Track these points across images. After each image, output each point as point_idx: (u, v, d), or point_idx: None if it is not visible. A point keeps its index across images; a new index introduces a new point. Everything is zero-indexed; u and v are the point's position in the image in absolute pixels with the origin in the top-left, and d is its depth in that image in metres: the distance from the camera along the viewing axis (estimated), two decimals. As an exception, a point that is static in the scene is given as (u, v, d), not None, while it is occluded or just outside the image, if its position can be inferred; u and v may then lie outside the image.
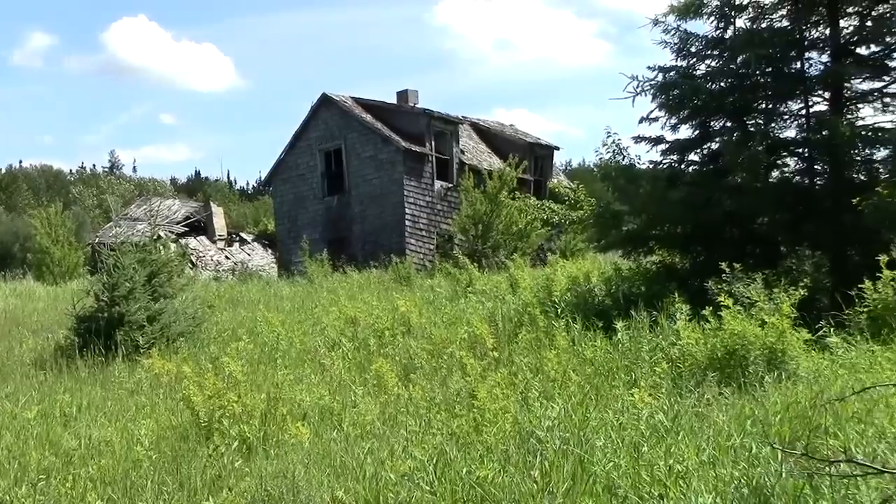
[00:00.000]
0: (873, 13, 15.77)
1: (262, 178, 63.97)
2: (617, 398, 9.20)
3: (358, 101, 39.20)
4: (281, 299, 22.55)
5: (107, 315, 15.40)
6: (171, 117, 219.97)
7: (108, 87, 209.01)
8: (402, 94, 40.97)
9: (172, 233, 46.10)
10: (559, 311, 14.79)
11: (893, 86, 15.66)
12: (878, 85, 15.76)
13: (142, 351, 14.72)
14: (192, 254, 45.60)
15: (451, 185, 38.01)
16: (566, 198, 17.95)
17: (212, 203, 53.81)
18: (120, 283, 15.67)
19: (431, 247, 36.76)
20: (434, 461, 7.21)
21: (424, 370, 11.97)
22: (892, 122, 15.33)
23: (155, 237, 17.57)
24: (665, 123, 16.30)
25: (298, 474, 7.52)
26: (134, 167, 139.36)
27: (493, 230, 32.19)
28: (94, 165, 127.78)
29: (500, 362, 11.90)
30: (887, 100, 15.62)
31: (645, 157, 19.75)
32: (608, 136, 16.70)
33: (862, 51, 15.84)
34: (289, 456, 8.27)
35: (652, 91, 15.61)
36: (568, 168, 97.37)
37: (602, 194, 17.87)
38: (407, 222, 36.36)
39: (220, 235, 50.38)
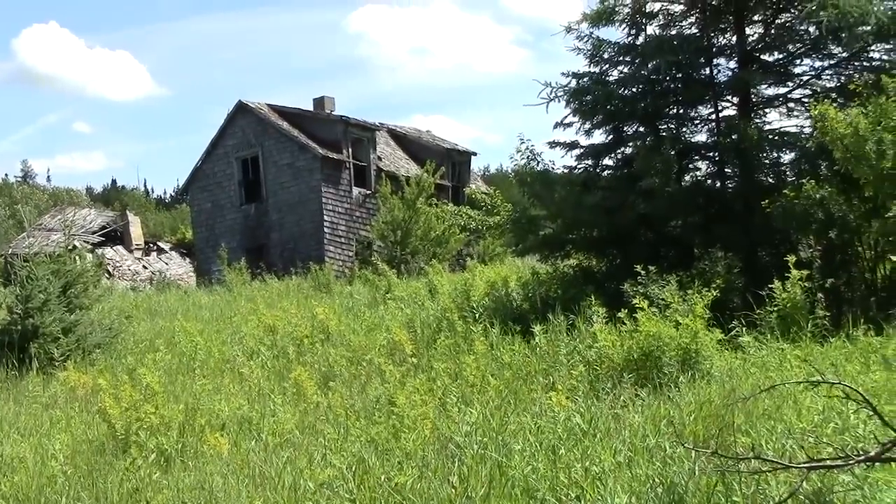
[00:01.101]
0: (777, 21, 16.04)
1: (180, 187, 63.22)
2: (535, 402, 9.20)
3: (274, 108, 38.92)
4: (199, 308, 22.36)
5: (20, 327, 15.08)
6: (86, 125, 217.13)
7: (19, 95, 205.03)
8: (319, 101, 40.81)
9: (88, 243, 44.86)
10: (477, 316, 14.75)
11: (797, 91, 16.00)
12: (782, 91, 16.11)
13: (57, 364, 14.49)
14: (108, 264, 44.36)
15: (369, 192, 37.89)
16: (483, 203, 17.94)
17: (128, 212, 52.79)
18: (34, 294, 15.37)
19: (351, 254, 36.61)
20: (353, 469, 7.18)
21: (343, 377, 11.93)
22: (796, 126, 15.70)
23: (70, 247, 17.31)
24: (579, 129, 16.45)
25: (217, 485, 7.45)
26: (48, 177, 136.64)
27: (412, 236, 32.23)
28: (6, 175, 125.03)
29: (419, 368, 11.88)
30: (791, 105, 16.01)
31: (560, 162, 20.01)
32: (521, 143, 16.78)
33: (767, 57, 16.11)
34: (207, 467, 8.18)
35: (566, 97, 15.67)
36: (486, 173, 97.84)
37: (519, 200, 17.88)
38: (325, 229, 36.07)
39: (137, 245, 49.44)
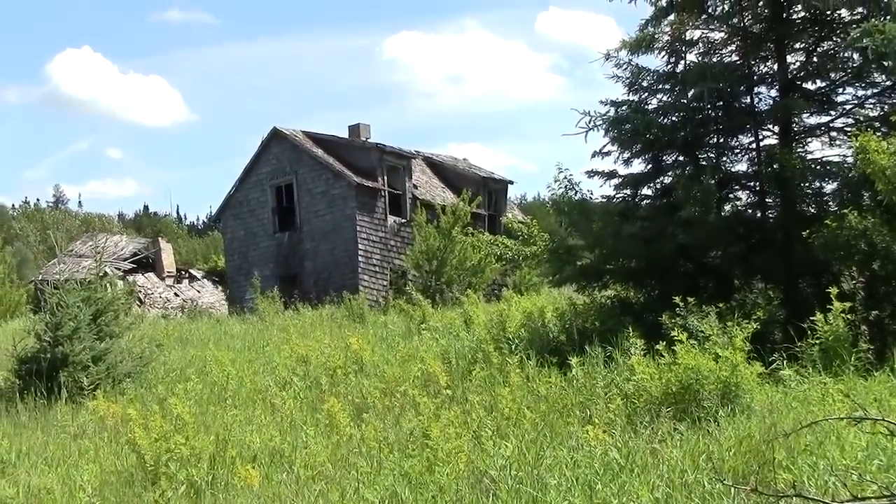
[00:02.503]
0: (819, 49, 16.02)
1: (213, 214, 63.41)
2: (571, 435, 9.18)
3: (309, 135, 39.00)
4: (231, 338, 22.30)
5: (49, 356, 15.04)
6: (118, 151, 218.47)
7: (51, 120, 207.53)
8: (354, 129, 40.86)
9: (119, 269, 45.44)
10: (513, 347, 14.69)
11: (839, 120, 15.89)
12: (824, 119, 15.98)
13: (86, 393, 14.43)
14: (139, 291, 44.82)
15: (404, 221, 37.96)
16: (520, 233, 17.76)
17: (160, 239, 53.09)
18: (64, 322, 15.37)
19: (385, 283, 36.61)
20: (386, 503, 7.22)
21: (377, 409, 11.86)
22: (839, 155, 15.58)
23: (101, 274, 17.30)
24: (618, 158, 16.36)
25: (248, 518, 7.49)
26: (79, 202, 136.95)
27: (447, 266, 32.40)
28: (37, 200, 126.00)
29: (454, 400, 11.84)
30: (834, 134, 15.90)
31: (598, 191, 19.79)
32: (560, 172, 16.66)
33: (809, 86, 16.03)
34: (238, 500, 8.20)
35: (604, 125, 15.59)
36: (522, 202, 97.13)
37: (556, 229, 17.78)
38: (360, 258, 36.07)
39: (168, 272, 49.67)
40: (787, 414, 9.02)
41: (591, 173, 16.72)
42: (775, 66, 16.15)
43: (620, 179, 16.66)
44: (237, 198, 40.44)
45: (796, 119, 15.95)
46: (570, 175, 16.65)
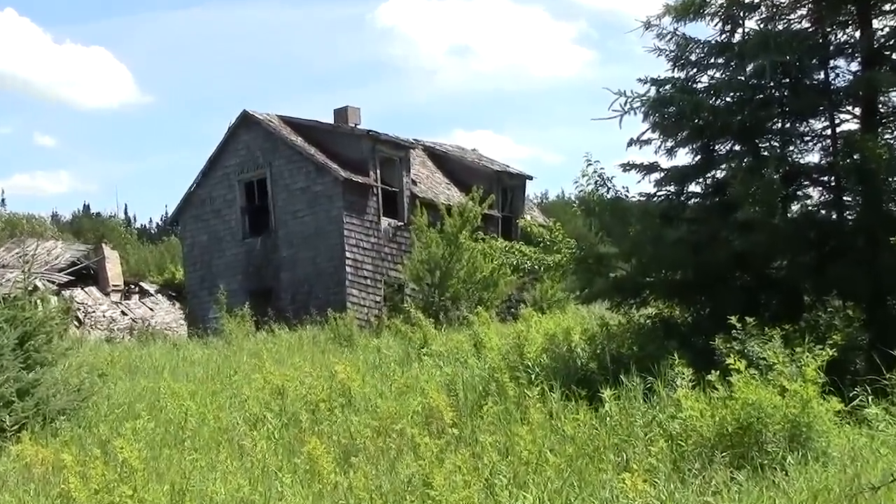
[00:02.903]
0: (914, 11, 16.15)
1: (169, 215, 63.16)
2: (604, 485, 9.17)
3: (286, 120, 39.19)
4: (191, 365, 22.48)
5: (-38, 390, 15.13)
6: (51, 139, 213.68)
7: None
8: (341, 113, 40.99)
9: (53, 283, 44.78)
10: (533, 377, 14.66)
11: (940, 99, 16.00)
12: (919, 99, 16.09)
13: (8, 435, 14.16)
14: (78, 309, 44.44)
15: (401, 224, 38.28)
16: (541, 238, 17.79)
17: (104, 246, 52.44)
18: (-21, 347, 15.45)
19: (378, 299, 37.05)
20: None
21: (368, 452, 11.84)
22: (938, 142, 15.67)
23: (30, 289, 17.26)
24: (660, 147, 16.33)
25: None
26: (2, 199, 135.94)
27: (453, 278, 32.94)
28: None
29: (462, 441, 11.83)
30: (932, 116, 15.98)
31: (635, 188, 19.64)
32: (588, 165, 16.54)
33: (900, 57, 16.23)
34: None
35: (643, 108, 15.40)
36: (544, 201, 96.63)
37: (584, 234, 17.94)
38: (347, 269, 36.41)
39: (114, 286, 49.64)
40: (874, 463, 8.96)
41: (627, 166, 16.72)
42: (857, 34, 15.86)
43: (663, 173, 16.60)
44: (199, 195, 40.60)
45: (883, 98, 15.69)
46: (602, 168, 16.61)
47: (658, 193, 16.72)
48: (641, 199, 16.78)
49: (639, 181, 17.20)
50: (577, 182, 16.66)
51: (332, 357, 20.92)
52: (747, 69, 15.73)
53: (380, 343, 24.35)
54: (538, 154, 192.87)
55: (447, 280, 32.78)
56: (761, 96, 15.80)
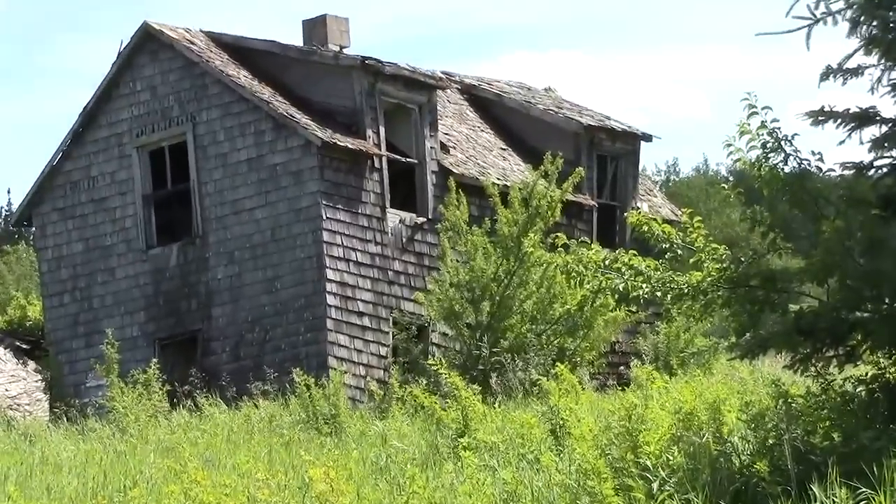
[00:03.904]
0: None
1: (14, 210, 55.62)
2: None
3: (220, 40, 34.11)
4: (57, 470, 20.52)
5: None
6: None
7: None
8: (316, 27, 35.46)
9: None
10: (657, 487, 13.61)
11: None
12: None
13: None
14: None
15: (422, 221, 33.72)
16: (666, 243, 15.83)
17: None
18: None
19: (382, 350, 32.49)
20: None
21: None
22: None
23: None
24: (880, 80, 14.42)
25: None
26: None
27: (514, 314, 29.08)
28: None
29: None
30: None
31: (834, 154, 18.28)
32: (751, 114, 14.49)
33: None
34: None
35: (850, 12, 13.90)
36: (671, 179, 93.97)
37: (742, 236, 16.71)
38: (330, 300, 31.26)
39: None
40: None
41: (821, 116, 14.62)
42: None
43: (887, 126, 14.65)
44: (67, 175, 35.06)
45: None
46: (776, 122, 14.64)
47: (878, 163, 14.78)
48: (846, 173, 14.75)
49: (841, 141, 14.82)
50: (729, 146, 14.74)
51: (303, 453, 18.61)
52: None
53: (387, 428, 22.55)
54: (661, 99, 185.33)
55: (503, 318, 28.82)
56: None
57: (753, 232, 15.14)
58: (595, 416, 19.27)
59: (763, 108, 14.46)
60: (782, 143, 14.35)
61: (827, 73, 14.31)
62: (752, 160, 14.53)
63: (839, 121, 14.39)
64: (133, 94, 33.57)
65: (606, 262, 16.05)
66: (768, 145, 14.40)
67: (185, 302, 32.75)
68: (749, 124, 14.36)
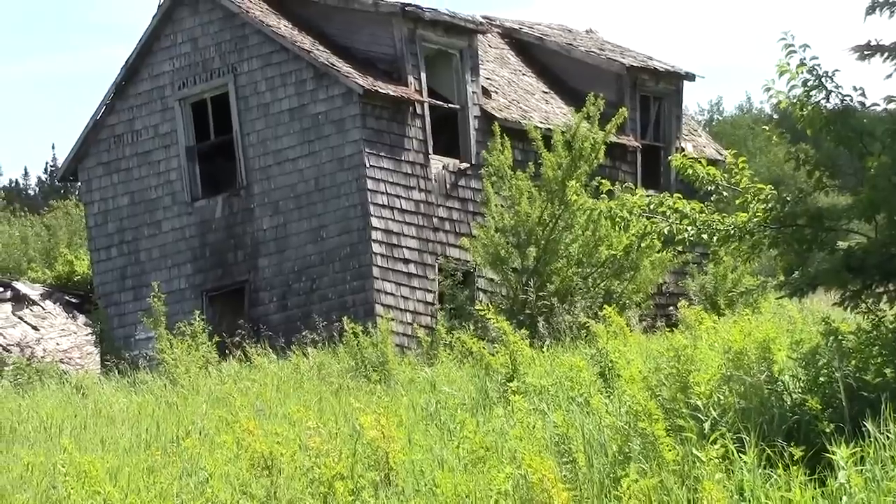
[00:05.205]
0: None
1: (59, 165, 56.70)
2: None
3: (260, -10, 34.35)
4: (110, 423, 21.52)
5: None
6: None
7: None
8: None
9: None
10: (707, 427, 14.28)
11: None
12: None
13: None
14: None
15: (466, 167, 35.47)
16: (712, 184, 16.97)
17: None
18: None
19: (429, 297, 34.04)
20: None
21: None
22: None
23: None
24: None
25: None
26: None
27: (560, 258, 30.40)
28: None
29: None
30: None
31: (880, 88, 19.28)
32: (790, 52, 15.49)
33: None
34: None
35: None
36: (715, 118, 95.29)
37: (789, 174, 17.19)
38: (375, 248, 32.77)
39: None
40: None
41: (867, 50, 15.77)
42: None
43: None
44: (111, 129, 37.19)
45: None
46: (816, 58, 15.53)
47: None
48: (891, 106, 15.84)
49: (889, 75, 15.92)
50: (769, 89, 15.90)
51: (353, 401, 19.47)
52: None
53: (435, 374, 23.68)
54: (703, 37, 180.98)
55: (550, 262, 30.17)
56: None
57: (799, 171, 16.28)
58: (644, 357, 20.25)
59: (801, 46, 15.37)
60: (823, 79, 15.41)
61: (873, 6, 15.51)
62: (796, 97, 15.63)
63: (886, 54, 15.59)
64: (174, 47, 35.53)
65: (651, 207, 17.28)
66: (809, 83, 15.47)
67: (232, 253, 34.72)
68: (788, 64, 15.46)
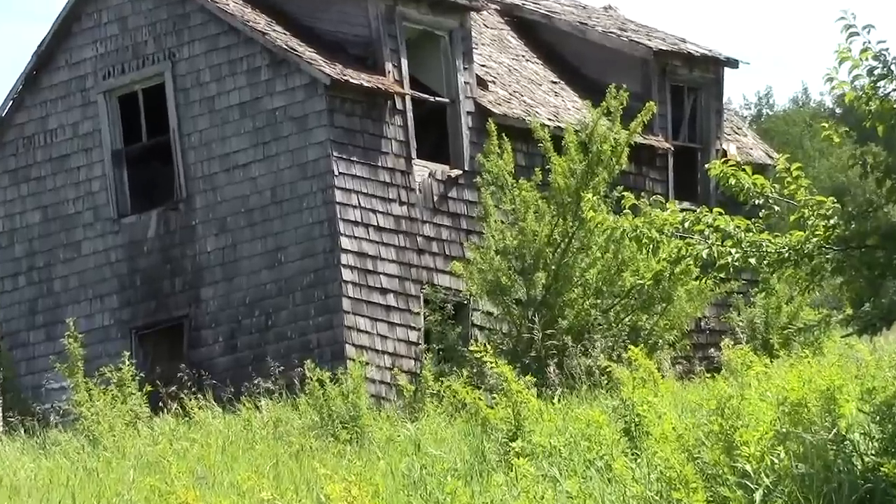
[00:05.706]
0: None
1: None
2: None
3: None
4: (14, 494, 20.83)
5: None
6: None
7: None
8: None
9: None
10: (759, 498, 13.99)
11: None
12: None
13: None
14: None
15: (456, 174, 34.30)
16: (759, 196, 16.12)
17: None
18: None
19: (413, 335, 33.01)
20: None
21: None
22: None
23: None
24: None
25: None
26: None
27: (574, 286, 28.99)
28: None
29: None
30: None
31: None
32: (851, 35, 15.01)
33: None
34: None
35: None
36: (764, 111, 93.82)
37: (852, 184, 16.08)
38: (344, 273, 31.49)
39: None
40: None
41: None
42: None
43: None
44: (18, 129, 35.49)
45: None
46: (883, 43, 14.83)
47: None
48: None
49: None
50: (831, 79, 15.33)
51: (318, 466, 18.79)
52: None
53: (420, 432, 22.96)
54: (748, 17, 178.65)
55: (561, 292, 28.97)
56: None
57: (867, 178, 15.38)
58: (679, 410, 19.66)
59: (865, 28, 14.83)
60: (892, 67, 14.79)
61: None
62: (863, 87, 14.99)
63: (969, 39, 13.25)
64: (98, 28, 33.39)
65: (686, 224, 16.39)
66: (875, 72, 14.79)
67: (168, 282, 32.70)
68: (849, 49, 14.88)
